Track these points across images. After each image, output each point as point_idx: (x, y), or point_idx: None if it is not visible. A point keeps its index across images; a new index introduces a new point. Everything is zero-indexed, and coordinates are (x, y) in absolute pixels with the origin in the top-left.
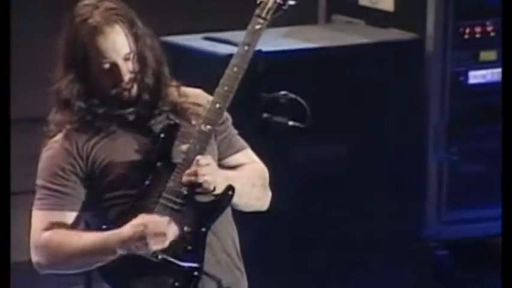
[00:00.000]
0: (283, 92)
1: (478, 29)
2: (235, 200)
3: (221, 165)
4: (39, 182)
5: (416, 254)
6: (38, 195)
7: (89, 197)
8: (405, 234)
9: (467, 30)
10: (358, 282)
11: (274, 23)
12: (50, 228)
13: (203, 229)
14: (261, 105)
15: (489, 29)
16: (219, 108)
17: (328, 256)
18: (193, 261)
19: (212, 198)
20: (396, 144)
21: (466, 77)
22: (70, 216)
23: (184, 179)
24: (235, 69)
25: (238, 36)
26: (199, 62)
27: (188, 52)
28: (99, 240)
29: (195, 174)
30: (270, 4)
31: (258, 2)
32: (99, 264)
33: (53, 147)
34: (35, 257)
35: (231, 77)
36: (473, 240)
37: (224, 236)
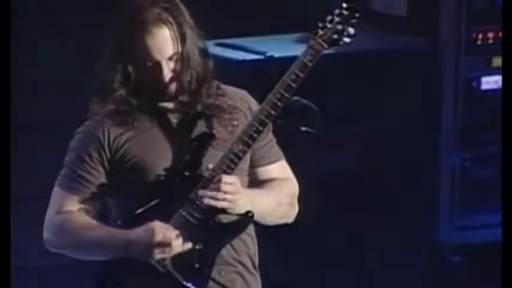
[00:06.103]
0: (295, 98)
1: (490, 35)
2: (258, 218)
3: (252, 174)
4: (67, 159)
5: (430, 260)
6: (63, 171)
7: (111, 188)
8: (418, 240)
9: (480, 36)
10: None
11: (286, 30)
12: (67, 211)
13: (214, 250)
14: None
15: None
16: (255, 131)
17: (342, 259)
18: (198, 281)
19: (230, 219)
20: (409, 150)
21: (479, 83)
22: (89, 204)
23: (205, 200)
24: (277, 95)
25: (251, 42)
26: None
27: None
28: (109, 237)
29: (215, 197)
30: (325, 38)
31: (314, 33)
32: (103, 258)
33: (86, 131)
34: (46, 234)
35: (272, 103)
36: (486, 246)
37: (240, 247)
